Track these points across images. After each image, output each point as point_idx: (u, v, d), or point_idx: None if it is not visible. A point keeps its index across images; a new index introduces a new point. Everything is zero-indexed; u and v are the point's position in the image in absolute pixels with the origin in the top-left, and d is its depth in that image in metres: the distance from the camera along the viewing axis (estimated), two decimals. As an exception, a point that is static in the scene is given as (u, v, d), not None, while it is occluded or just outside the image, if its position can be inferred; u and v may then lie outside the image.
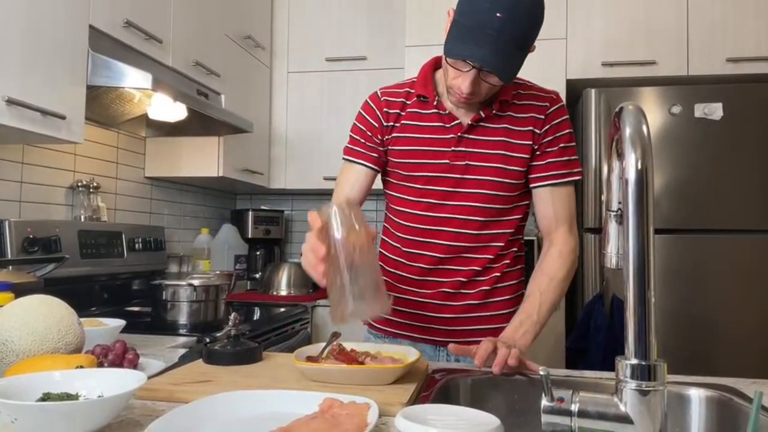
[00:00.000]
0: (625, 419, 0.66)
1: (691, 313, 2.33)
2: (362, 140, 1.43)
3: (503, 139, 1.33)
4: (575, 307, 2.60)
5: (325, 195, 3.43)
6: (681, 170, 2.36)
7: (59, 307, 1.06)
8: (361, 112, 1.44)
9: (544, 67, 2.64)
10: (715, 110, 2.35)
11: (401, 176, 1.39)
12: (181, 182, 2.89)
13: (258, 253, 3.24)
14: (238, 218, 3.22)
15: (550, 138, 1.33)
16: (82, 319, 1.11)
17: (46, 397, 0.80)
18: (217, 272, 2.48)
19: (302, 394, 0.89)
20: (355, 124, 1.46)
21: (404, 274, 1.41)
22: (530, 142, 1.33)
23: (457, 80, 1.24)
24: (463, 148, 1.33)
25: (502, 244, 1.37)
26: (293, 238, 3.52)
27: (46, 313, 1.02)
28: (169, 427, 0.74)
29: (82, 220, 2.19)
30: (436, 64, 1.40)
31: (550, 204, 1.34)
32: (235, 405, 0.85)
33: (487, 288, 1.38)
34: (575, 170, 1.36)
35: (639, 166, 0.67)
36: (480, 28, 1.13)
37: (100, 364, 1.04)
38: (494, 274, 1.37)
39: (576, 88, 2.62)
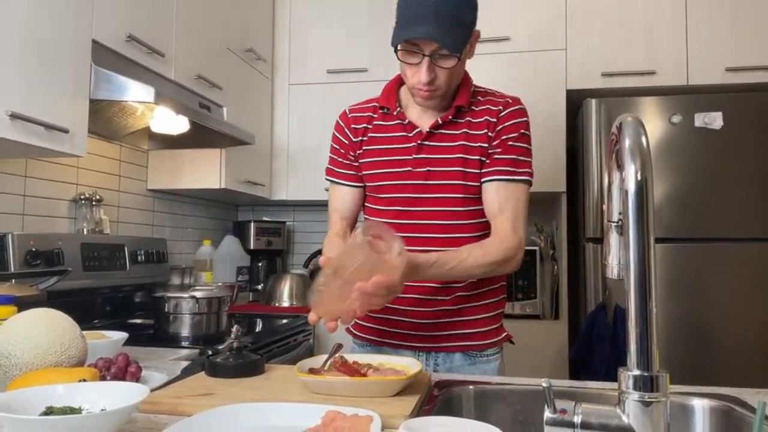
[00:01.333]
0: (627, 430, 0.66)
1: (693, 322, 2.32)
2: (339, 159, 1.49)
3: (462, 143, 1.36)
4: (578, 317, 2.60)
5: (327, 206, 3.43)
6: (681, 179, 2.36)
7: (62, 320, 1.06)
8: (334, 132, 1.51)
9: (544, 78, 2.66)
10: (714, 119, 2.36)
11: (371, 188, 1.44)
12: (184, 194, 2.90)
13: (260, 264, 3.24)
14: (240, 230, 3.22)
15: (502, 138, 1.35)
16: (84, 332, 1.11)
17: (49, 411, 0.80)
18: (220, 284, 2.49)
19: (305, 407, 0.89)
20: (331, 144, 1.51)
21: None
22: (486, 145, 1.35)
23: (414, 76, 1.28)
24: (424, 155, 1.37)
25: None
26: (295, 249, 3.52)
27: (48, 327, 1.03)
28: (172, 440, 0.74)
29: (85, 232, 2.20)
30: (400, 81, 1.44)
31: (494, 197, 1.34)
32: (237, 418, 0.85)
33: (465, 294, 1.38)
34: (523, 170, 1.35)
35: (639, 177, 0.67)
36: (415, 11, 1.22)
37: (103, 378, 1.04)
38: (470, 280, 1.37)
39: (576, 99, 2.63)
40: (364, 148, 1.45)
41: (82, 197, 2.21)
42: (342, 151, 1.48)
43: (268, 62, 3.11)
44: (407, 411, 0.92)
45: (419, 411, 0.98)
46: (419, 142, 1.37)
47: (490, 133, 1.35)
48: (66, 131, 1.65)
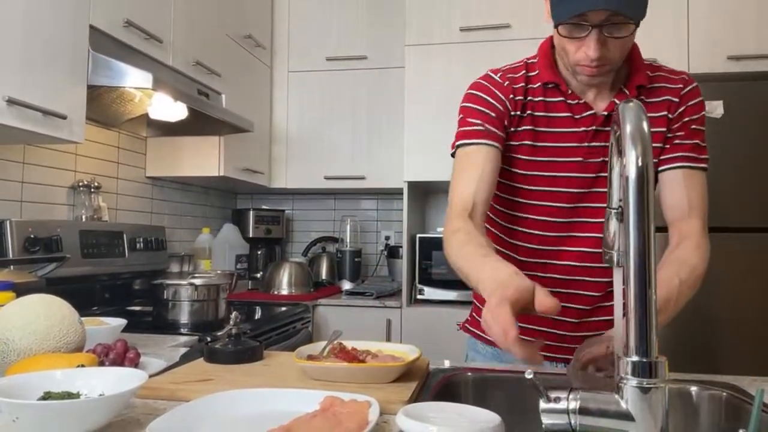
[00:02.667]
0: (626, 416, 0.65)
1: (691, 310, 2.32)
2: (482, 121, 1.18)
3: None
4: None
5: (326, 194, 3.43)
6: (682, 168, 2.35)
7: (60, 306, 1.06)
8: (477, 94, 1.21)
9: (545, 66, 2.64)
10: (716, 108, 2.35)
11: (521, 177, 1.21)
12: (182, 182, 2.90)
13: (259, 252, 3.24)
14: (239, 218, 3.22)
15: (685, 120, 1.19)
16: (83, 318, 1.11)
17: (48, 396, 0.80)
18: (218, 272, 2.48)
19: (303, 393, 0.89)
20: (468, 107, 1.21)
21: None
22: (664, 129, 1.18)
23: (580, 51, 1.08)
24: (599, 143, 1.17)
25: None
26: (294, 238, 3.52)
27: (47, 313, 1.02)
28: (170, 425, 0.74)
29: (84, 219, 2.20)
30: (551, 45, 1.21)
31: (682, 188, 1.16)
32: (235, 404, 0.85)
33: (609, 318, 1.21)
34: (704, 157, 1.20)
35: (639, 163, 0.66)
36: None
37: (101, 363, 1.04)
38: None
39: (577, 87, 2.62)
40: (522, 127, 1.19)
41: (80, 184, 2.21)
42: (493, 115, 1.18)
43: (267, 49, 3.09)
44: (405, 397, 0.92)
45: (418, 397, 0.98)
46: (595, 128, 1.16)
47: (670, 115, 1.18)
48: (64, 117, 1.64)
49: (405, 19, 2.83)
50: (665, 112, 1.18)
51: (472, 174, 1.16)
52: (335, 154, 3.09)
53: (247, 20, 2.86)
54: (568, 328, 1.23)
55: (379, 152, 3.03)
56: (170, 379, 1.02)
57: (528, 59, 1.25)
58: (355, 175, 3.04)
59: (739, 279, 2.31)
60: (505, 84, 1.21)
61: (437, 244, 2.77)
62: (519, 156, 1.21)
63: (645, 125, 0.68)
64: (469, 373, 1.16)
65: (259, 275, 3.14)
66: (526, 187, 1.22)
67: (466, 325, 1.41)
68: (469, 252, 1.04)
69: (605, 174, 1.16)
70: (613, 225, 0.90)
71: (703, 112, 1.21)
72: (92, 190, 2.24)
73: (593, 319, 1.23)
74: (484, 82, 1.23)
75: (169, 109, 2.15)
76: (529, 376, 0.72)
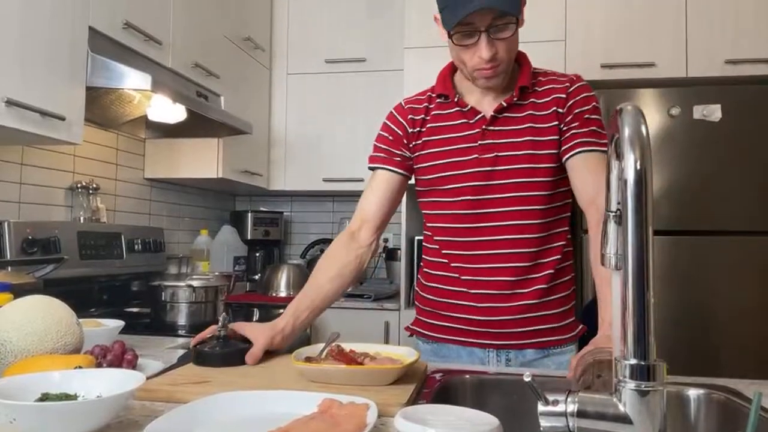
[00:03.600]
0: (624, 419, 0.65)
1: (690, 314, 2.32)
2: (384, 146, 1.42)
3: (529, 125, 1.31)
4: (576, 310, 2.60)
5: (325, 197, 3.43)
6: (680, 172, 2.36)
7: (58, 307, 1.06)
8: (386, 122, 1.45)
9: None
10: (713, 112, 2.35)
11: (432, 180, 1.37)
12: (181, 183, 2.89)
13: (257, 254, 3.24)
14: (237, 219, 3.21)
15: (576, 111, 1.30)
16: (81, 320, 1.11)
17: (45, 398, 0.80)
18: (217, 273, 2.48)
19: (301, 395, 0.89)
20: (379, 134, 1.45)
21: (451, 275, 1.37)
22: (556, 122, 1.30)
23: (474, 57, 1.23)
24: (490, 140, 1.32)
25: (544, 234, 1.32)
26: (292, 240, 3.52)
27: (44, 314, 1.02)
28: (168, 427, 0.74)
29: (82, 221, 2.19)
30: (453, 68, 1.40)
31: (587, 171, 1.27)
32: (233, 405, 0.85)
33: (544, 286, 1.32)
34: (604, 141, 1.29)
35: (638, 167, 0.66)
36: None
37: (99, 365, 1.04)
38: (547, 271, 1.32)
39: (575, 90, 2.62)
40: (423, 139, 1.39)
41: (78, 185, 2.20)
42: (391, 138, 1.42)
43: (266, 51, 3.09)
44: (404, 399, 0.92)
45: (416, 399, 0.98)
46: (484, 127, 1.32)
47: (560, 110, 1.31)
48: (62, 118, 1.64)
49: (404, 21, 2.83)
50: (554, 108, 1.31)
51: (368, 194, 1.42)
52: (334, 156, 3.09)
53: (247, 22, 2.86)
54: (489, 313, 1.33)
55: (378, 155, 3.03)
56: (168, 381, 1.02)
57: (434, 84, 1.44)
58: (353, 177, 3.04)
59: (738, 282, 2.31)
60: (406, 107, 1.43)
61: (435, 246, 2.77)
62: (425, 163, 1.38)
63: (643, 129, 0.69)
64: (467, 376, 1.16)
65: (257, 277, 3.14)
66: (436, 187, 1.37)
67: (409, 326, 1.51)
68: (306, 288, 1.41)
69: (500, 167, 1.31)
70: (611, 228, 0.91)
71: (595, 104, 1.33)
72: (90, 191, 2.24)
73: (511, 304, 1.32)
74: (393, 110, 1.45)
75: (168, 110, 2.15)
76: (527, 378, 0.72)
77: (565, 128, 1.30)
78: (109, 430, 0.79)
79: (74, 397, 0.81)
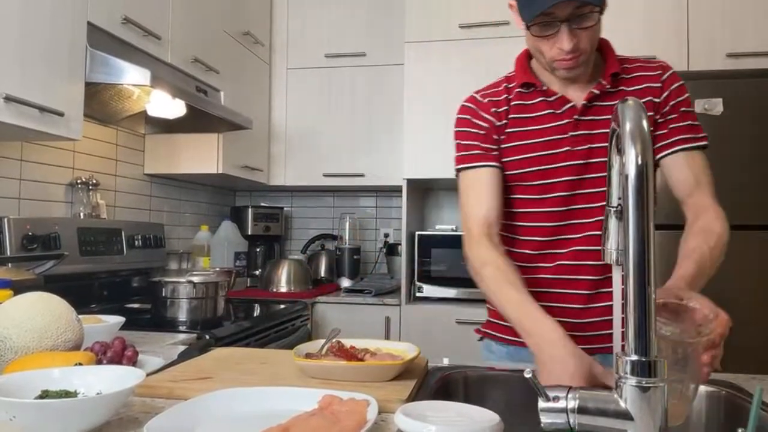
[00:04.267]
0: (625, 415, 0.65)
1: (691, 309, 2.32)
2: (477, 143, 1.29)
3: None
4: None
5: (325, 192, 3.43)
6: (681, 166, 2.35)
7: (58, 304, 1.05)
8: (467, 117, 1.32)
9: (544, 63, 2.64)
10: (715, 105, 2.34)
11: (518, 176, 1.28)
12: (181, 179, 2.89)
13: (258, 249, 3.24)
14: (237, 215, 3.21)
15: (672, 103, 1.24)
16: (81, 316, 1.11)
17: (45, 395, 0.80)
18: (217, 269, 2.48)
19: (301, 391, 0.89)
20: (462, 131, 1.32)
21: (538, 276, 1.27)
22: (651, 113, 1.23)
23: (554, 48, 1.15)
24: (582, 132, 1.23)
25: None
26: (293, 235, 3.52)
27: (44, 311, 1.02)
28: (168, 424, 0.74)
29: (82, 217, 2.19)
30: (528, 55, 1.30)
31: (686, 167, 1.22)
32: (234, 402, 0.85)
33: None
34: (702, 135, 1.25)
35: (639, 161, 0.66)
36: None
37: (99, 362, 1.04)
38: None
39: (576, 84, 2.61)
40: (507, 131, 1.28)
41: (78, 181, 2.20)
42: (482, 133, 1.28)
43: (266, 46, 3.08)
44: (404, 396, 0.92)
45: (416, 396, 0.98)
46: (576, 117, 1.23)
47: (655, 99, 1.23)
48: (61, 114, 1.63)
49: (404, 15, 2.82)
50: (649, 98, 1.24)
51: (479, 196, 1.26)
52: (334, 151, 3.08)
53: (246, 17, 2.85)
54: (574, 315, 1.25)
55: (378, 150, 3.03)
56: (168, 378, 1.02)
57: (507, 74, 1.35)
58: (354, 172, 3.04)
59: (738, 276, 2.31)
60: (486, 101, 1.31)
61: (436, 241, 2.77)
62: (511, 158, 1.28)
63: (644, 123, 0.68)
64: (468, 372, 1.16)
65: (258, 273, 3.14)
66: (522, 183, 1.28)
67: (480, 328, 1.42)
68: (510, 296, 1.12)
69: (594, 160, 1.22)
70: (613, 223, 0.90)
71: (687, 95, 1.26)
72: (90, 187, 2.24)
73: (597, 305, 1.24)
74: (468, 104, 1.33)
75: (168, 106, 2.14)
76: (527, 375, 0.72)
77: (661, 120, 1.24)
78: (109, 427, 0.79)
79: (74, 394, 0.81)
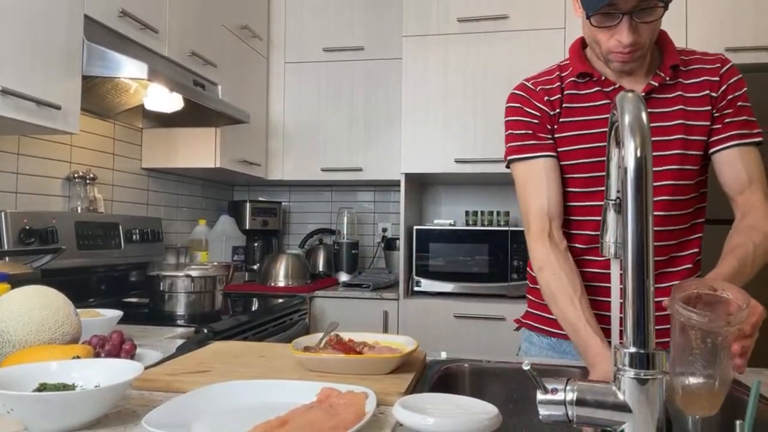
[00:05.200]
0: (623, 408, 0.65)
1: (688, 303, 2.32)
2: (531, 132, 1.25)
3: (681, 107, 1.20)
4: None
5: (323, 186, 3.43)
6: (679, 160, 2.35)
7: (55, 297, 1.05)
8: (519, 106, 1.28)
9: (543, 57, 2.63)
10: (713, 100, 2.34)
11: (570, 167, 1.24)
12: (179, 173, 2.88)
13: (256, 244, 3.24)
14: (235, 209, 3.21)
15: (729, 98, 1.21)
16: (79, 310, 1.11)
17: (43, 388, 0.80)
18: (215, 263, 2.48)
19: (300, 384, 0.89)
20: (514, 120, 1.28)
21: (588, 270, 1.25)
22: (709, 107, 1.21)
23: (612, 40, 1.12)
24: None
25: (686, 226, 1.25)
26: (291, 230, 3.51)
27: (42, 304, 1.02)
28: (167, 417, 0.74)
29: (79, 211, 2.19)
30: (583, 43, 1.27)
31: (739, 164, 1.19)
32: (232, 395, 0.85)
33: (688, 267, 1.24)
34: (757, 131, 1.22)
35: (638, 154, 0.66)
36: None
37: (97, 355, 1.04)
38: (685, 266, 1.24)
39: (574, 79, 2.61)
40: (561, 121, 1.24)
41: (76, 175, 2.20)
42: (535, 122, 1.25)
43: (264, 40, 3.07)
44: (402, 388, 0.92)
45: (415, 388, 0.98)
46: None
47: (713, 94, 1.20)
48: (58, 108, 1.62)
49: (402, 9, 2.81)
50: (707, 92, 1.21)
51: (537, 188, 1.23)
52: (332, 145, 3.08)
53: (244, 11, 2.84)
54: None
55: (377, 144, 3.03)
56: (166, 371, 1.01)
57: (560, 62, 1.31)
58: (352, 167, 3.04)
59: (736, 271, 2.31)
60: (538, 90, 1.26)
61: (434, 236, 2.77)
62: (564, 148, 1.24)
63: (644, 115, 0.68)
64: (466, 365, 1.16)
65: (256, 267, 3.14)
66: (574, 175, 1.24)
67: (521, 319, 1.41)
68: (565, 310, 1.12)
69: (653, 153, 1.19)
70: (611, 216, 0.90)
71: (745, 89, 1.24)
72: (88, 181, 2.23)
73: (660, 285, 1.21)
74: (520, 92, 1.29)
75: (165, 99, 2.14)
76: (526, 367, 0.72)
77: (718, 115, 1.21)
78: (107, 420, 0.79)
79: (72, 387, 0.81)
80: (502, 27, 2.67)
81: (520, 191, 1.26)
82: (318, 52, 3.09)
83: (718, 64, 1.24)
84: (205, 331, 1.71)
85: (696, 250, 1.27)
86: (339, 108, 3.07)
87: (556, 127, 1.25)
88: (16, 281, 1.19)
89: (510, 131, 1.28)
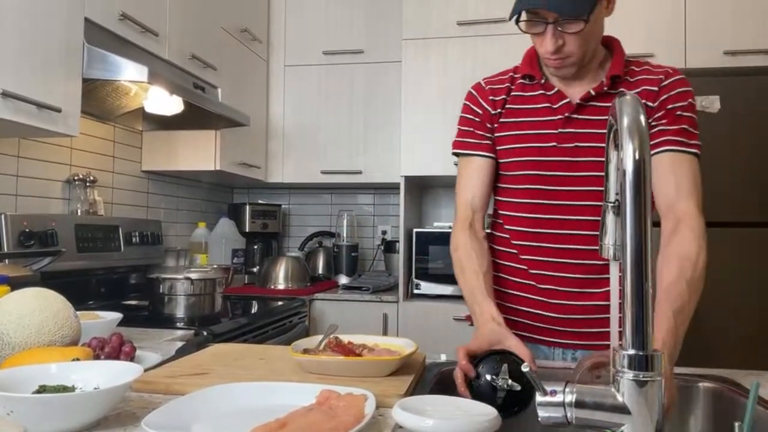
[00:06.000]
0: (622, 409, 0.66)
1: (688, 305, 2.33)
2: (473, 130, 1.34)
3: None
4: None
5: (323, 189, 3.43)
6: (678, 163, 2.35)
7: (55, 299, 1.05)
8: (467, 103, 1.37)
9: (542, 60, 2.64)
10: (712, 103, 2.35)
11: (507, 165, 1.31)
12: (178, 176, 2.89)
13: (255, 246, 3.24)
14: (235, 212, 3.21)
15: (668, 107, 1.21)
16: (79, 313, 1.11)
17: (42, 390, 0.80)
18: (215, 266, 2.48)
19: (299, 386, 0.89)
20: (462, 116, 1.38)
21: (519, 266, 1.30)
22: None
23: (541, 46, 1.17)
24: (572, 129, 1.24)
25: None
26: (291, 232, 3.51)
27: (41, 306, 1.02)
28: (166, 419, 0.74)
29: (79, 213, 2.19)
30: None
31: (669, 173, 1.18)
32: (231, 397, 0.85)
33: (608, 290, 1.23)
34: (694, 142, 1.20)
35: (636, 156, 0.66)
36: None
37: (97, 357, 1.04)
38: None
39: (574, 81, 2.61)
40: (501, 120, 1.31)
41: (75, 178, 2.20)
42: (478, 120, 1.33)
43: (264, 43, 3.08)
44: (402, 390, 0.92)
45: (414, 390, 0.98)
46: (567, 114, 1.24)
47: (650, 104, 1.22)
48: (58, 110, 1.63)
49: (402, 12, 2.82)
50: (644, 101, 1.23)
51: (469, 183, 1.33)
52: (332, 148, 3.08)
53: (244, 14, 2.85)
54: (557, 310, 1.26)
55: (376, 147, 3.03)
56: (166, 373, 1.01)
57: (518, 64, 1.36)
58: (351, 169, 3.04)
59: (737, 273, 2.31)
60: (487, 88, 1.34)
61: (434, 238, 2.77)
62: (502, 147, 1.31)
63: (642, 118, 0.68)
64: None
65: (255, 270, 3.14)
66: (510, 173, 1.31)
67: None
68: (469, 281, 1.21)
69: (580, 159, 1.23)
70: (610, 218, 0.90)
71: (691, 100, 1.23)
72: (88, 184, 2.23)
73: (581, 303, 1.24)
74: (472, 90, 1.37)
75: (165, 102, 2.14)
76: (525, 369, 0.72)
77: (654, 123, 1.21)
78: (106, 422, 0.79)
79: (72, 389, 0.81)
80: (502, 30, 2.67)
81: (457, 181, 1.36)
82: (318, 54, 3.09)
83: (662, 76, 1.24)
84: (205, 333, 1.71)
85: None
86: (339, 111, 3.07)
87: (496, 125, 1.32)
88: (15, 284, 1.19)
89: (458, 126, 1.38)
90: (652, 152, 1.20)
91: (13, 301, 1.02)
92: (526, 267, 1.29)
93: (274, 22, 3.15)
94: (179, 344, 1.44)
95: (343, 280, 3.07)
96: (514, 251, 1.32)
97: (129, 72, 1.79)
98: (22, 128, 1.61)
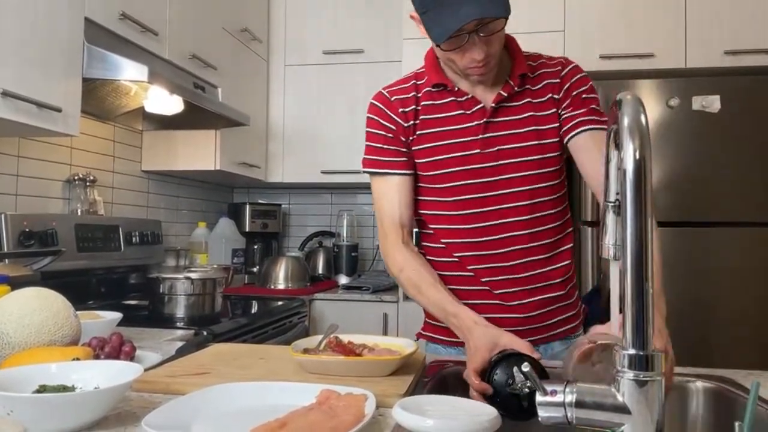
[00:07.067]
0: (622, 409, 0.65)
1: (687, 305, 2.33)
2: (385, 146, 1.29)
3: (531, 114, 1.24)
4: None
5: (323, 189, 3.43)
6: (679, 163, 2.35)
7: (55, 299, 1.05)
8: (374, 117, 1.31)
9: (542, 60, 2.64)
10: (712, 102, 2.35)
11: (432, 178, 1.28)
12: (178, 176, 2.88)
13: (255, 246, 3.24)
14: (235, 212, 3.21)
15: (573, 94, 1.24)
16: (79, 312, 1.11)
17: (42, 389, 0.80)
18: (215, 266, 2.48)
19: (299, 386, 0.89)
20: (369, 132, 1.32)
21: (466, 274, 1.28)
22: (554, 110, 1.24)
23: (465, 58, 1.14)
24: (492, 134, 1.23)
25: (558, 223, 1.27)
26: (291, 232, 3.51)
27: (41, 306, 1.02)
28: (166, 419, 0.74)
29: (79, 213, 2.19)
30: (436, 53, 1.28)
31: (596, 151, 1.17)
32: (231, 397, 0.85)
33: (565, 277, 1.28)
34: (605, 119, 1.21)
35: (637, 156, 0.66)
36: None
37: (97, 357, 1.04)
38: (566, 261, 1.28)
39: (574, 81, 2.61)
40: (418, 133, 1.27)
41: (76, 178, 2.20)
42: (390, 136, 1.28)
43: (264, 43, 3.08)
44: (402, 390, 0.92)
45: (414, 390, 0.98)
46: (486, 120, 1.23)
47: (555, 96, 1.24)
48: (58, 110, 1.63)
49: (402, 12, 2.82)
50: (550, 95, 1.25)
51: (391, 203, 1.29)
52: (332, 148, 3.08)
53: (244, 13, 2.85)
54: (516, 311, 1.27)
55: (376, 146, 3.02)
56: (166, 373, 1.02)
57: (417, 70, 1.34)
58: (351, 169, 3.03)
59: (736, 273, 2.31)
60: (393, 100, 1.29)
61: (434, 238, 2.77)
62: (421, 159, 1.28)
63: (643, 118, 0.68)
64: (465, 366, 1.15)
65: (255, 269, 3.14)
66: (436, 185, 1.28)
67: (422, 332, 1.42)
68: (431, 296, 1.20)
69: (504, 161, 1.23)
70: (610, 218, 0.90)
71: (590, 85, 1.26)
72: (88, 183, 2.23)
73: (538, 297, 1.26)
74: (377, 102, 1.32)
75: (165, 102, 2.14)
76: (525, 369, 0.72)
77: (563, 112, 1.24)
78: (107, 422, 0.79)
79: (72, 389, 0.81)
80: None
81: (375, 202, 1.32)
82: (318, 54, 3.09)
83: (559, 67, 1.27)
84: (205, 333, 1.71)
85: (571, 245, 1.30)
86: (339, 110, 3.07)
87: (412, 138, 1.28)
88: (15, 283, 1.19)
89: (367, 143, 1.32)
90: (571, 134, 1.22)
91: (13, 301, 1.02)
92: (472, 274, 1.28)
93: (274, 21, 3.15)
94: (179, 344, 1.44)
95: (343, 280, 3.07)
96: (456, 260, 1.29)
97: (129, 71, 1.79)
98: (22, 128, 1.61)
